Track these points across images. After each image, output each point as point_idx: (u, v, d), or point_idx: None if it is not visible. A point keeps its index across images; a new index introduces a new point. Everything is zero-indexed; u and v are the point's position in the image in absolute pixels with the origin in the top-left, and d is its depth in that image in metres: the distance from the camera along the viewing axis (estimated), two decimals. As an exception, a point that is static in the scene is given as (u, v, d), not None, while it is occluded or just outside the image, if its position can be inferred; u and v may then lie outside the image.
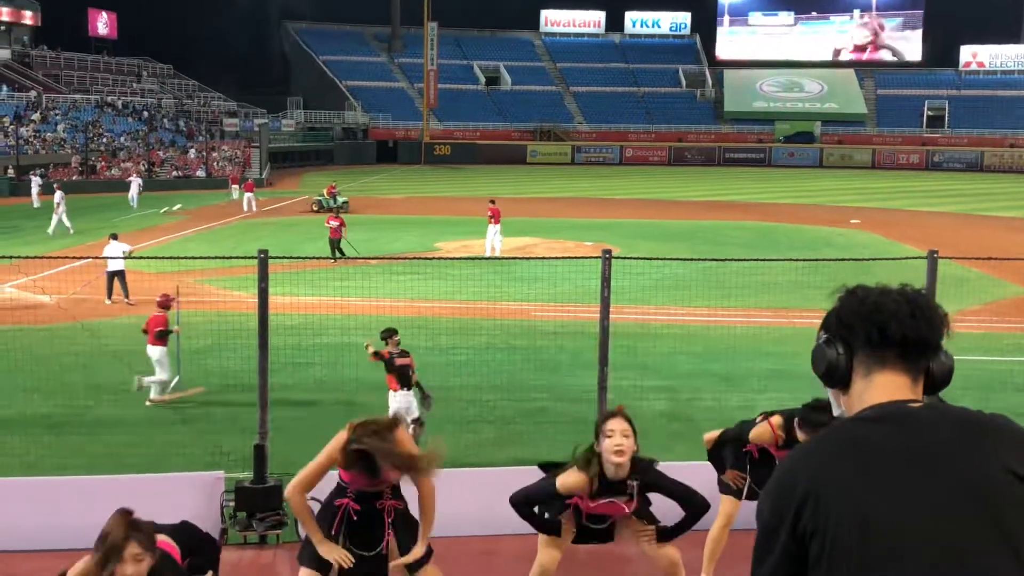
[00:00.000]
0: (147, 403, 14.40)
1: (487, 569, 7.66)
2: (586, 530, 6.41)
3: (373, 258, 26.92)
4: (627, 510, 6.17)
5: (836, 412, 2.55)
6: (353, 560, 5.60)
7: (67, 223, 36.10)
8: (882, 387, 2.39)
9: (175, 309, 15.24)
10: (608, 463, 6.00)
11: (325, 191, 46.13)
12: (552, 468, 6.51)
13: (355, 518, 5.76)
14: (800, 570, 2.29)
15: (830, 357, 2.46)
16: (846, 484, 2.25)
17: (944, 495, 2.23)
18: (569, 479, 6.11)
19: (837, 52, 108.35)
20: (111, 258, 22.64)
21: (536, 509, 6.39)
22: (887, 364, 2.39)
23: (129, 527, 4.91)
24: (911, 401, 2.38)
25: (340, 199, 45.56)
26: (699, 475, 7.39)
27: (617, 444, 5.92)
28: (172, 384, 15.08)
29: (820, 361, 2.49)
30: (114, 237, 24.18)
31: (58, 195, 36.96)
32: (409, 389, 12.72)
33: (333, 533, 5.71)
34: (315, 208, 44.48)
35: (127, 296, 22.73)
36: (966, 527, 2.20)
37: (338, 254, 28.43)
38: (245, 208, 45.77)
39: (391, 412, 12.38)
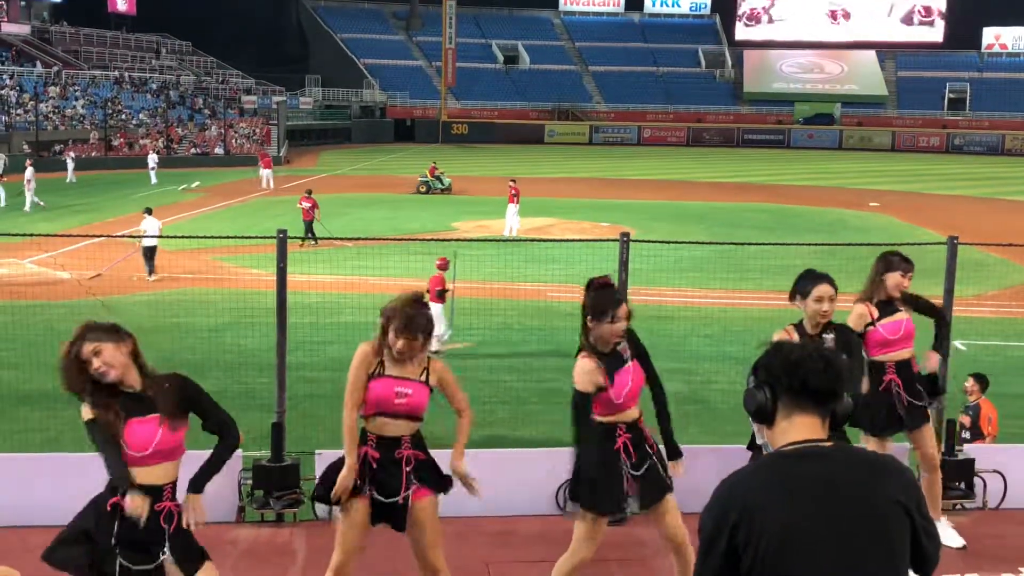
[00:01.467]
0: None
1: (504, 550, 7.71)
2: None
3: (351, 240, 25.39)
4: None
5: (759, 441, 3.19)
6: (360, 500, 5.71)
7: (37, 200, 36.02)
8: (800, 426, 2.98)
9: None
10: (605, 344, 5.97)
11: (427, 171, 45.09)
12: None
13: (375, 466, 5.74)
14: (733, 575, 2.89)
15: (759, 400, 3.04)
16: (773, 508, 2.85)
17: (850, 520, 2.85)
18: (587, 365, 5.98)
19: (858, 31, 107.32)
20: (147, 236, 22.84)
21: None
22: (805, 408, 2.99)
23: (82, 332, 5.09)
24: (824, 440, 2.97)
25: (445, 180, 44.51)
26: (713, 458, 7.41)
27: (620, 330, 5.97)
28: (445, 337, 17.00)
29: (751, 402, 3.07)
30: (148, 212, 24.33)
31: (28, 171, 36.83)
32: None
33: (358, 483, 5.73)
34: (422, 190, 43.68)
35: (153, 273, 22.88)
36: (866, 546, 2.84)
37: (310, 237, 27.51)
38: (263, 185, 45.82)
39: None
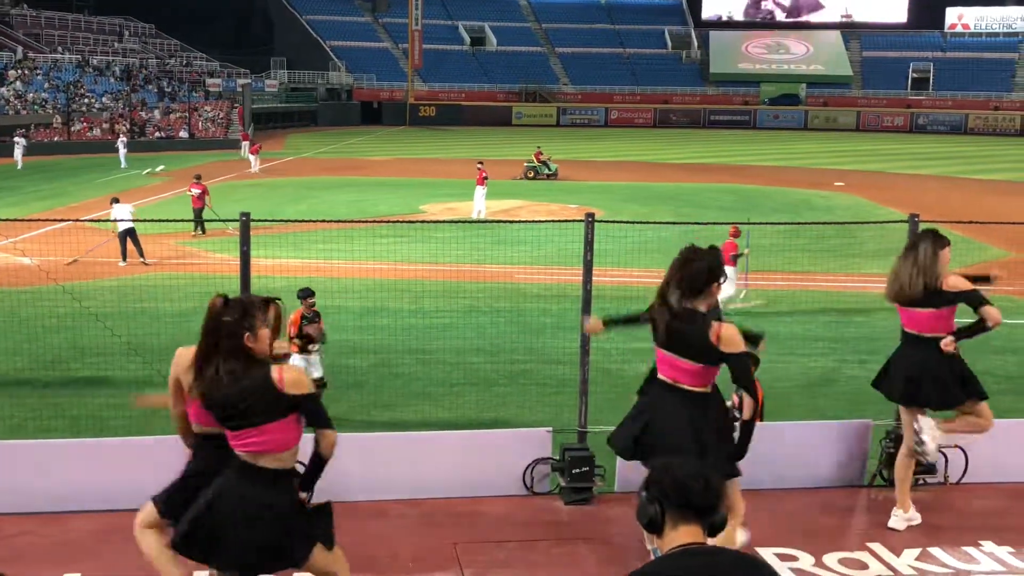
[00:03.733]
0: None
1: (471, 530, 7.75)
2: None
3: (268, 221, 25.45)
4: None
5: (648, 547, 4.02)
6: None
7: None
8: (684, 534, 3.48)
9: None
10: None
11: (534, 156, 44.25)
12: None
13: None
14: None
15: (651, 513, 3.53)
16: None
17: None
18: None
19: (823, 11, 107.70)
20: (122, 221, 22.65)
21: None
22: (688, 520, 3.49)
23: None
24: (702, 545, 3.48)
25: (552, 165, 43.62)
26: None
27: None
28: (740, 296, 18.39)
29: (643, 515, 3.56)
30: (115, 200, 24.13)
31: None
32: (311, 353, 12.31)
33: None
34: (530, 175, 42.94)
35: (142, 255, 22.72)
36: None
37: (199, 226, 26.52)
38: (253, 168, 45.69)
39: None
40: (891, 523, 7.81)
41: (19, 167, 46.56)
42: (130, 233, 22.78)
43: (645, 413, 6.61)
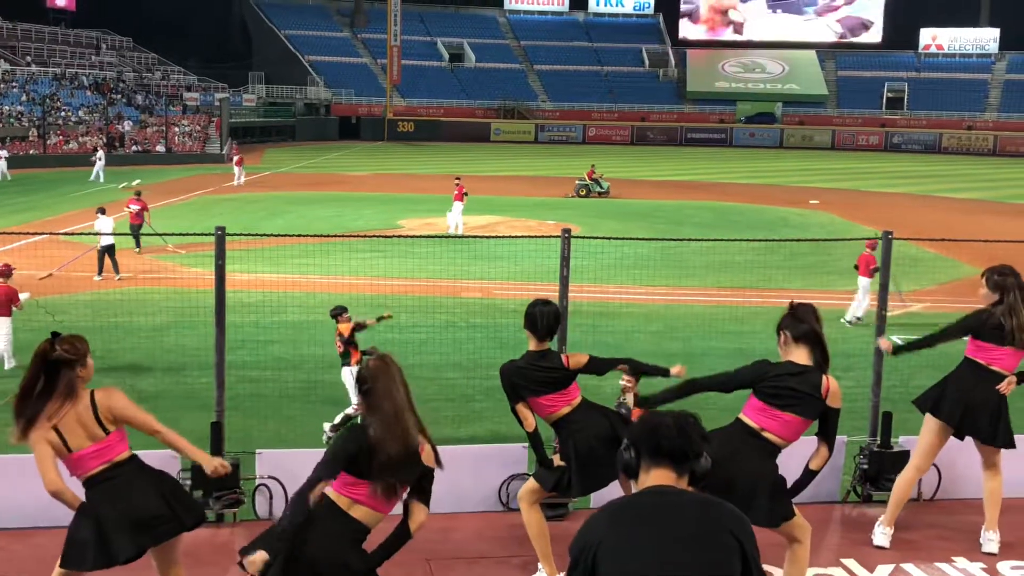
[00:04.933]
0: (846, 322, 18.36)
1: (446, 545, 7.72)
2: None
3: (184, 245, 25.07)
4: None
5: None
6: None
7: None
8: (655, 478, 3.62)
9: None
10: None
11: (586, 173, 43.88)
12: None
13: None
14: None
15: (626, 459, 3.69)
16: (612, 538, 3.49)
17: (682, 543, 3.44)
18: None
19: (849, 35, 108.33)
20: (104, 234, 22.48)
21: None
22: (660, 465, 3.63)
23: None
24: (669, 486, 3.60)
25: (604, 183, 43.29)
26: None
27: None
28: (860, 312, 18.84)
29: (620, 461, 3.72)
30: (102, 211, 23.80)
31: None
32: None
33: None
34: (582, 193, 42.69)
35: (117, 272, 22.52)
36: (692, 564, 3.41)
37: (138, 243, 25.79)
38: (236, 182, 45.52)
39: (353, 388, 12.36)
40: (877, 540, 7.81)
41: (8, 179, 46.59)
42: (109, 249, 22.59)
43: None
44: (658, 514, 3.51)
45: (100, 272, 22.55)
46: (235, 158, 48.80)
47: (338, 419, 12.21)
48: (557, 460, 7.06)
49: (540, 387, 6.97)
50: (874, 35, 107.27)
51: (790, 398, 6.22)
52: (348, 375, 12.33)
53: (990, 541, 7.73)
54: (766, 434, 6.28)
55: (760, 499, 6.14)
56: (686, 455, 3.62)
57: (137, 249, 25.89)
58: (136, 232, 25.27)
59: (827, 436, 6.35)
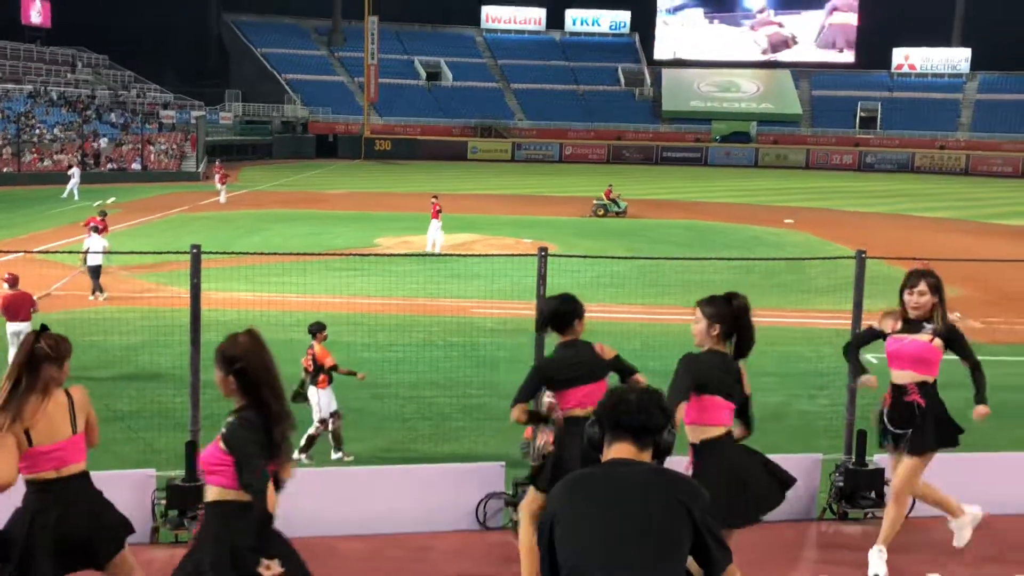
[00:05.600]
0: None
1: (423, 565, 7.70)
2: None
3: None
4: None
5: None
6: None
7: None
8: (615, 451, 3.78)
9: None
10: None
11: (603, 194, 43.84)
12: None
13: None
14: (556, 561, 3.65)
15: (590, 433, 3.87)
16: (571, 505, 3.67)
17: (623, 515, 3.59)
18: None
19: (771, 51, 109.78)
20: (92, 252, 22.27)
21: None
22: (621, 438, 3.78)
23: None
24: (628, 459, 3.75)
25: (622, 203, 43.31)
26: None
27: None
28: None
29: (586, 435, 3.89)
30: (95, 229, 23.66)
31: None
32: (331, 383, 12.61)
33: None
34: (599, 213, 42.73)
35: (99, 292, 22.29)
36: (635, 537, 3.55)
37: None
38: (222, 200, 45.50)
39: (324, 410, 12.38)
40: (875, 568, 7.48)
41: None
42: (96, 269, 22.41)
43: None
44: (608, 484, 3.67)
45: (94, 291, 22.33)
46: (217, 175, 48.73)
47: (303, 441, 12.21)
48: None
49: (574, 378, 6.69)
50: (847, 55, 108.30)
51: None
52: (313, 394, 12.37)
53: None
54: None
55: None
56: (646, 429, 3.76)
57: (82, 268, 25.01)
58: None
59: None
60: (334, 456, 12.30)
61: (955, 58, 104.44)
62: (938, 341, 7.21)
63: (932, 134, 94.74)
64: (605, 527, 3.58)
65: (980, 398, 7.31)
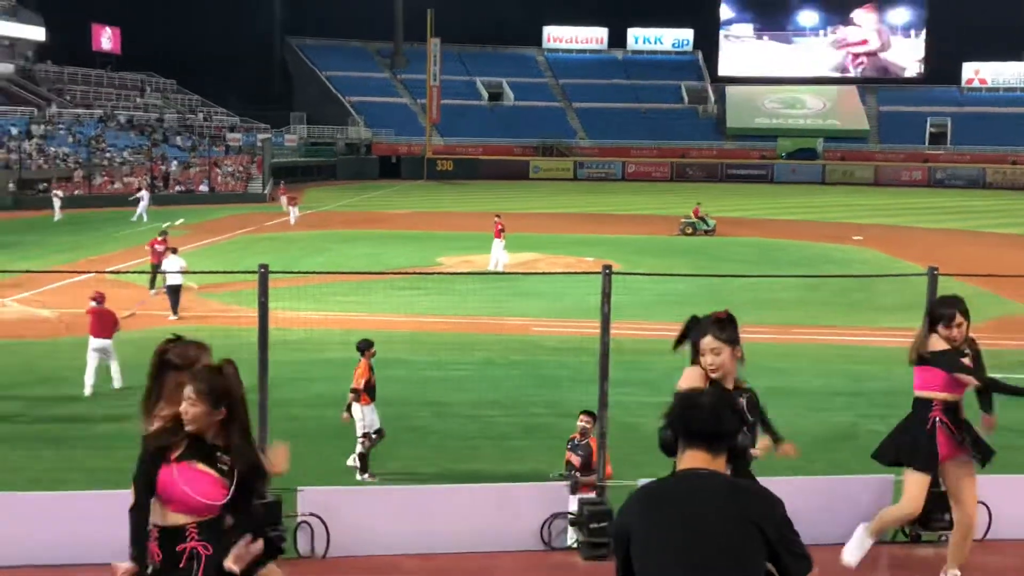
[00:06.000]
0: None
1: (486, 585, 7.65)
2: None
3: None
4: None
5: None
6: None
7: None
8: (688, 459, 3.75)
9: None
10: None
11: (692, 212, 43.99)
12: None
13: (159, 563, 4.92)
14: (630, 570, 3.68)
15: (664, 437, 3.85)
16: (644, 519, 3.67)
17: (699, 531, 3.56)
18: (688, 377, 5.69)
19: (840, 68, 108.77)
20: (171, 272, 22.72)
21: None
22: (695, 445, 3.74)
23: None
24: (702, 468, 3.70)
25: (710, 221, 43.37)
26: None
27: (710, 363, 5.64)
28: None
29: (660, 439, 3.87)
30: (174, 251, 24.17)
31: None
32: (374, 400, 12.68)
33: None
34: (687, 231, 42.84)
35: (175, 312, 22.64)
36: (711, 554, 3.53)
37: (153, 284, 25.57)
38: (292, 221, 46.40)
39: (369, 426, 12.45)
40: None
41: (56, 219, 47.57)
42: (174, 289, 22.75)
43: None
44: (682, 499, 3.67)
45: (175, 311, 22.67)
46: (285, 197, 49.52)
47: (356, 462, 12.30)
48: None
49: None
50: (915, 69, 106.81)
51: None
52: (357, 411, 12.45)
53: None
54: None
55: None
56: (719, 436, 3.75)
57: (152, 290, 25.43)
58: (155, 271, 25.40)
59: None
60: (358, 477, 12.28)
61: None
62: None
63: (1004, 149, 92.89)
64: (681, 545, 3.57)
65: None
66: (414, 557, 8.04)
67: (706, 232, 42.88)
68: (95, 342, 15.93)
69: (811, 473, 9.99)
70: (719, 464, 3.76)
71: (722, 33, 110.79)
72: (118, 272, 26.07)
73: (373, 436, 12.46)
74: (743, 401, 5.59)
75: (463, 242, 37.64)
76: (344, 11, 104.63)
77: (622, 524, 3.75)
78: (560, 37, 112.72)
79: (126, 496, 8.28)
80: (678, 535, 3.59)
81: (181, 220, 46.24)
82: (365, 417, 12.43)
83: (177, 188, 64.32)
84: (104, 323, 16.08)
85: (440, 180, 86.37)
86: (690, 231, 42.86)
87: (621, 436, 11.21)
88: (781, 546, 3.64)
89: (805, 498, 8.40)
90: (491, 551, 8.12)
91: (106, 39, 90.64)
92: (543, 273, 28.88)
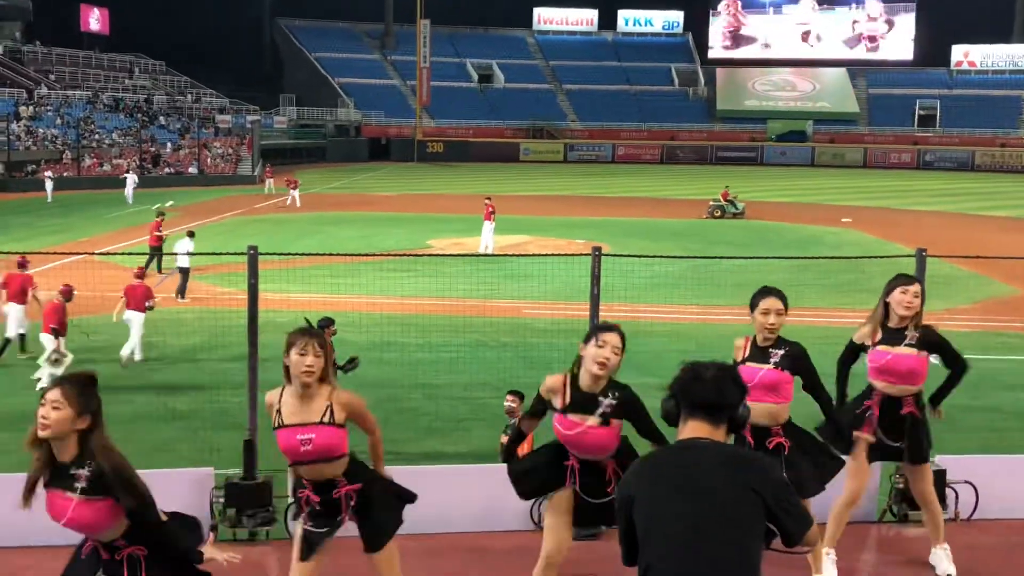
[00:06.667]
0: None
1: (479, 565, 7.69)
2: (585, 507, 6.19)
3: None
4: (591, 430, 5.89)
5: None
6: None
7: None
8: (689, 429, 3.85)
9: None
10: (586, 371, 5.93)
11: (720, 195, 43.78)
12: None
13: (316, 509, 5.77)
14: (635, 539, 3.76)
15: (667, 407, 3.92)
16: (646, 487, 3.76)
17: (699, 499, 3.63)
18: (550, 380, 6.16)
19: (831, 50, 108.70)
20: (179, 254, 23.07)
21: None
22: (695, 415, 3.84)
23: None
24: (703, 438, 3.80)
25: (739, 204, 43.21)
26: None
27: (604, 356, 5.95)
28: None
29: (663, 409, 3.95)
30: (190, 235, 24.41)
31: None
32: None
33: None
34: (716, 214, 42.69)
35: (183, 294, 22.76)
36: (712, 521, 3.61)
37: (157, 263, 25.63)
38: (288, 202, 46.47)
39: None
40: (946, 568, 7.41)
41: (49, 201, 47.43)
42: (183, 272, 22.99)
43: None
44: (683, 468, 3.74)
45: (182, 294, 22.77)
46: (270, 180, 49.80)
47: None
48: None
49: None
50: (905, 52, 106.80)
51: None
52: None
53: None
54: None
55: None
56: (721, 407, 3.83)
57: (161, 273, 25.62)
58: (157, 254, 25.58)
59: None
60: None
61: (1016, 54, 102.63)
62: (924, 352, 7.10)
63: (993, 132, 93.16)
64: (681, 511, 3.66)
65: (940, 398, 7.32)
66: (405, 537, 8.07)
67: (735, 215, 42.91)
68: (128, 313, 16.77)
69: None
70: (720, 434, 3.85)
71: (711, 13, 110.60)
72: (108, 254, 25.99)
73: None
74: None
75: (453, 224, 37.63)
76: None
77: (625, 491, 3.85)
78: (550, 19, 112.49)
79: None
80: (678, 502, 3.67)
81: (171, 202, 46.14)
82: None
83: (167, 170, 64.11)
84: (139, 297, 16.90)
85: (430, 162, 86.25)
86: (719, 214, 42.84)
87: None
88: (780, 509, 3.74)
89: (793, 478, 8.45)
90: (483, 531, 8.17)
91: (94, 20, 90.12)
92: (533, 255, 28.90)
